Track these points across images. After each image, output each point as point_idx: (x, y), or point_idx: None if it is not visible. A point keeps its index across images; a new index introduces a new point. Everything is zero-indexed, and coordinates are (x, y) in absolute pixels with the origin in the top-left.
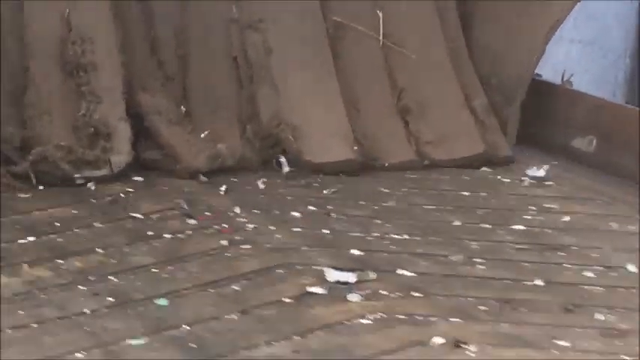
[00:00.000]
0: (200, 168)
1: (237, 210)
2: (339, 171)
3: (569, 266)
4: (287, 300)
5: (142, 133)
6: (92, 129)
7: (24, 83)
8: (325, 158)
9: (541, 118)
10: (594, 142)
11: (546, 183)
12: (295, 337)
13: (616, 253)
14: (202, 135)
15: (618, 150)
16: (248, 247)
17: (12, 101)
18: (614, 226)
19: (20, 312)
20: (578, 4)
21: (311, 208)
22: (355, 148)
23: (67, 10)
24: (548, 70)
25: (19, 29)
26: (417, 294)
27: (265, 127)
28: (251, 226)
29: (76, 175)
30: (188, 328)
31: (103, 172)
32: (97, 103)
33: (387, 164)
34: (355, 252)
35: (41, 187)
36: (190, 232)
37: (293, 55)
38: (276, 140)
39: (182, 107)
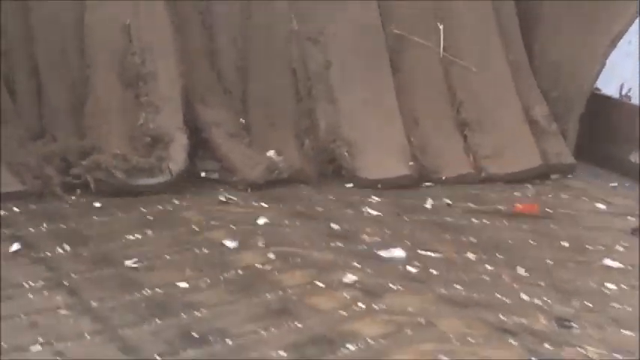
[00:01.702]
0: (257, 180)
1: None
2: (395, 186)
3: None
4: None
5: (199, 144)
6: (149, 138)
7: (84, 93)
8: (380, 174)
9: (599, 131)
10: None
11: None
12: None
13: None
14: (267, 154)
15: None
16: None
17: (72, 111)
18: None
19: None
20: None
21: None
22: (411, 163)
23: (128, 21)
24: (616, 85)
25: (80, 40)
26: None
27: (322, 142)
28: None
29: (133, 184)
30: None
31: (158, 179)
32: (155, 113)
33: (444, 177)
34: None
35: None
36: None
37: (352, 68)
38: (333, 155)
39: (241, 119)
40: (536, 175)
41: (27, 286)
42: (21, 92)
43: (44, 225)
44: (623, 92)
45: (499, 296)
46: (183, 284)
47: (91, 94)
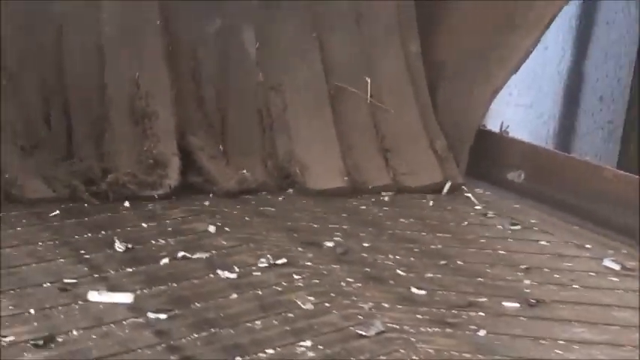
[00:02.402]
0: (231, 189)
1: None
2: (334, 195)
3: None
4: None
5: (189, 164)
6: (152, 161)
7: (104, 127)
8: (323, 186)
9: (484, 157)
10: (522, 175)
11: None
12: None
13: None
14: (242, 172)
15: (542, 181)
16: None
17: (95, 140)
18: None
19: None
20: (522, 76)
21: None
22: (345, 178)
23: (137, 74)
24: (498, 125)
25: (101, 87)
26: None
27: (281, 163)
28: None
29: (141, 194)
30: None
31: (158, 191)
32: (157, 142)
33: (370, 187)
34: None
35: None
36: None
37: (303, 110)
38: (288, 172)
39: (220, 147)
40: (437, 188)
41: None
42: (55, 124)
43: None
44: (503, 128)
45: None
46: None
47: (108, 128)
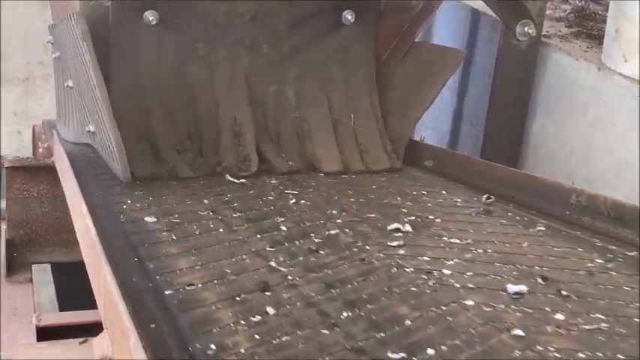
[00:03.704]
0: (284, 172)
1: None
2: (334, 174)
3: None
4: None
5: (262, 160)
6: (243, 158)
7: (217, 142)
8: (329, 170)
9: (412, 153)
10: (431, 162)
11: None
12: None
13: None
14: (289, 163)
15: (440, 166)
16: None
17: (213, 149)
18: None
19: None
20: (430, 113)
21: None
22: (341, 165)
23: (235, 114)
24: (419, 137)
25: (216, 121)
26: None
27: (308, 158)
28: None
29: (237, 175)
30: None
31: (247, 173)
32: (245, 148)
33: (354, 170)
34: None
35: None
36: None
37: (318, 131)
38: (312, 163)
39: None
40: (387, 171)
41: None
42: (194, 139)
43: None
44: (421, 138)
45: None
46: None
47: (220, 142)
